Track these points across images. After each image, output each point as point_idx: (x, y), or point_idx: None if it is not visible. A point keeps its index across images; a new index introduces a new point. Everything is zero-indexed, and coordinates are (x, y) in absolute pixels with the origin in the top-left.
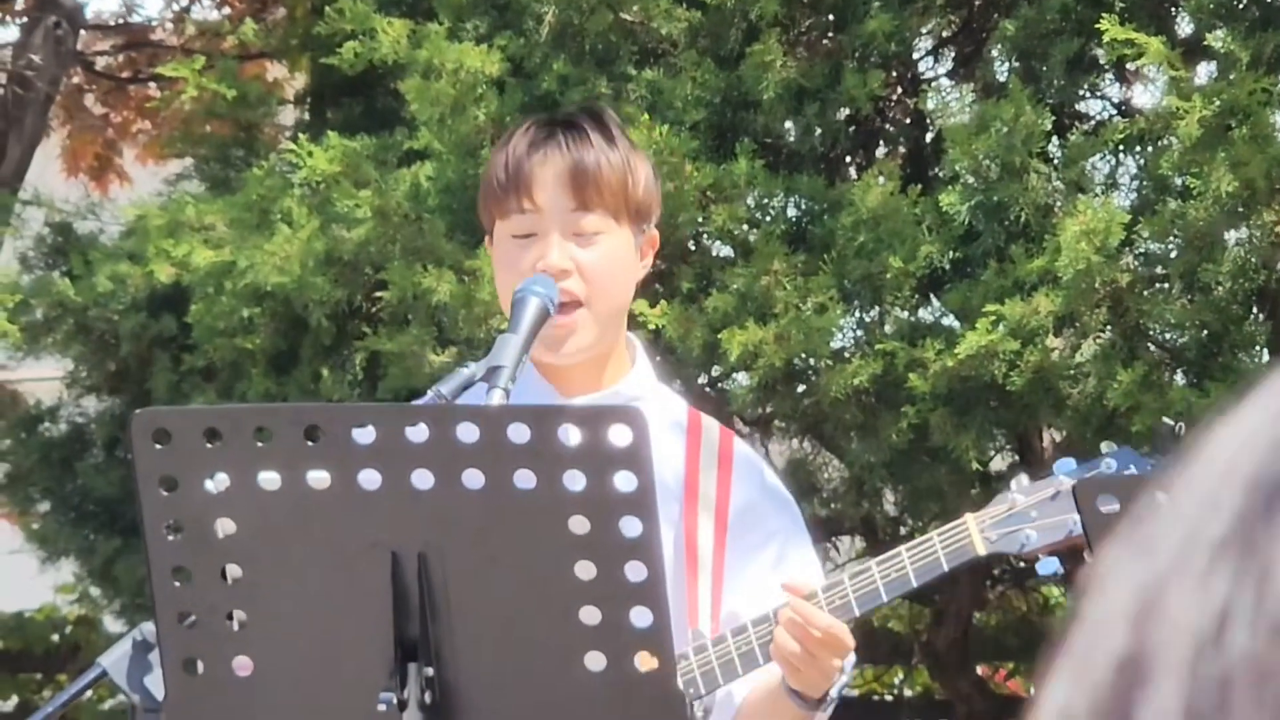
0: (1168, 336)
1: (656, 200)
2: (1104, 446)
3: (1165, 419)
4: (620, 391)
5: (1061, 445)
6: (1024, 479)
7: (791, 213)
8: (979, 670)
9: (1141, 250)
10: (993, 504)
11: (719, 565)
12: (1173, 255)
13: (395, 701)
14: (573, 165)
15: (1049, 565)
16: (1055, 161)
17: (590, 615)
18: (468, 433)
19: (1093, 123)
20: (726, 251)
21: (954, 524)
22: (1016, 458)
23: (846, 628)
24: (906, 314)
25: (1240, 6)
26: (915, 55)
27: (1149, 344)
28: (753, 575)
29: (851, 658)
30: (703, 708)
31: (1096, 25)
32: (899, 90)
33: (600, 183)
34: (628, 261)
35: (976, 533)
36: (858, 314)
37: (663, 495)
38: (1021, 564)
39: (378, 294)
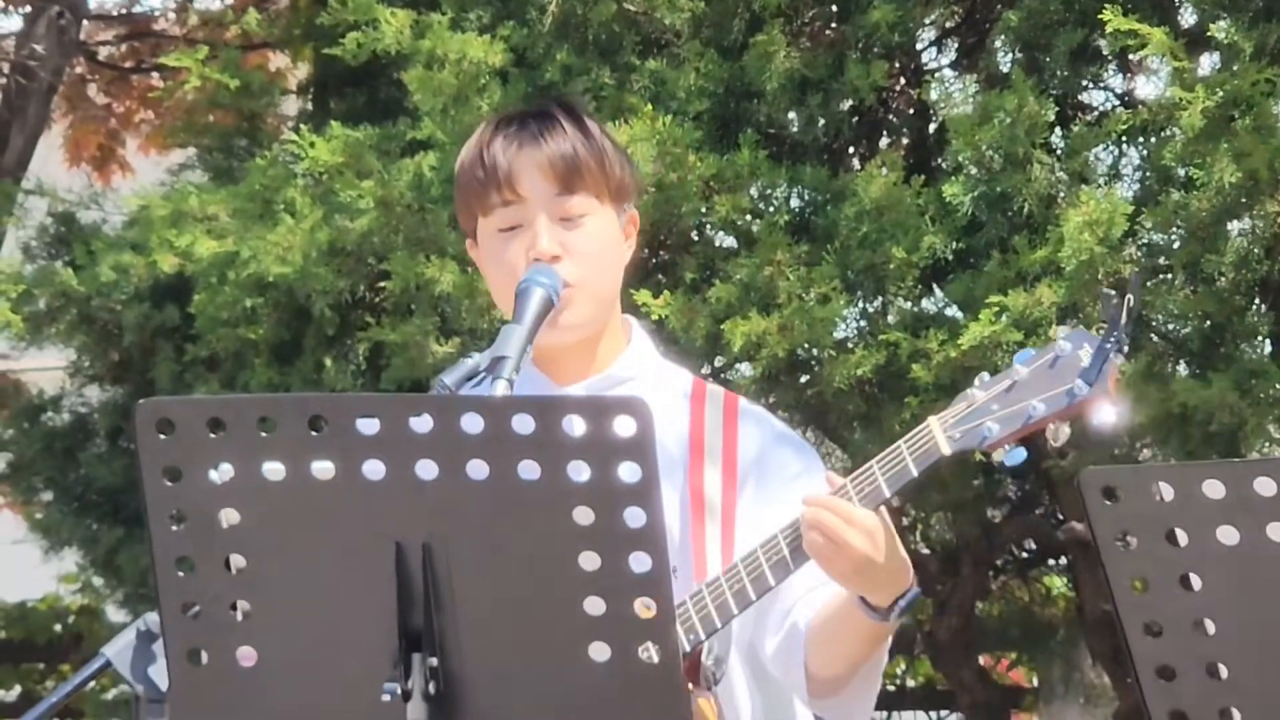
0: (1170, 327)
1: (634, 180)
2: (1060, 330)
3: (1107, 290)
4: (613, 375)
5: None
6: (985, 375)
7: (795, 203)
8: (981, 660)
9: (1144, 241)
10: (954, 402)
11: (729, 514)
12: (1175, 246)
13: (399, 692)
14: (552, 152)
15: (1016, 455)
16: (1058, 152)
17: (594, 606)
18: (472, 423)
19: (1096, 113)
20: (730, 242)
21: (918, 428)
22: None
23: (867, 510)
24: (909, 304)
25: None
26: (918, 46)
27: (1151, 334)
28: (780, 520)
29: (910, 576)
30: (713, 655)
31: (1100, 16)
32: (902, 81)
33: (580, 165)
34: (614, 240)
35: (940, 433)
36: (861, 304)
37: (667, 463)
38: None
39: (381, 284)
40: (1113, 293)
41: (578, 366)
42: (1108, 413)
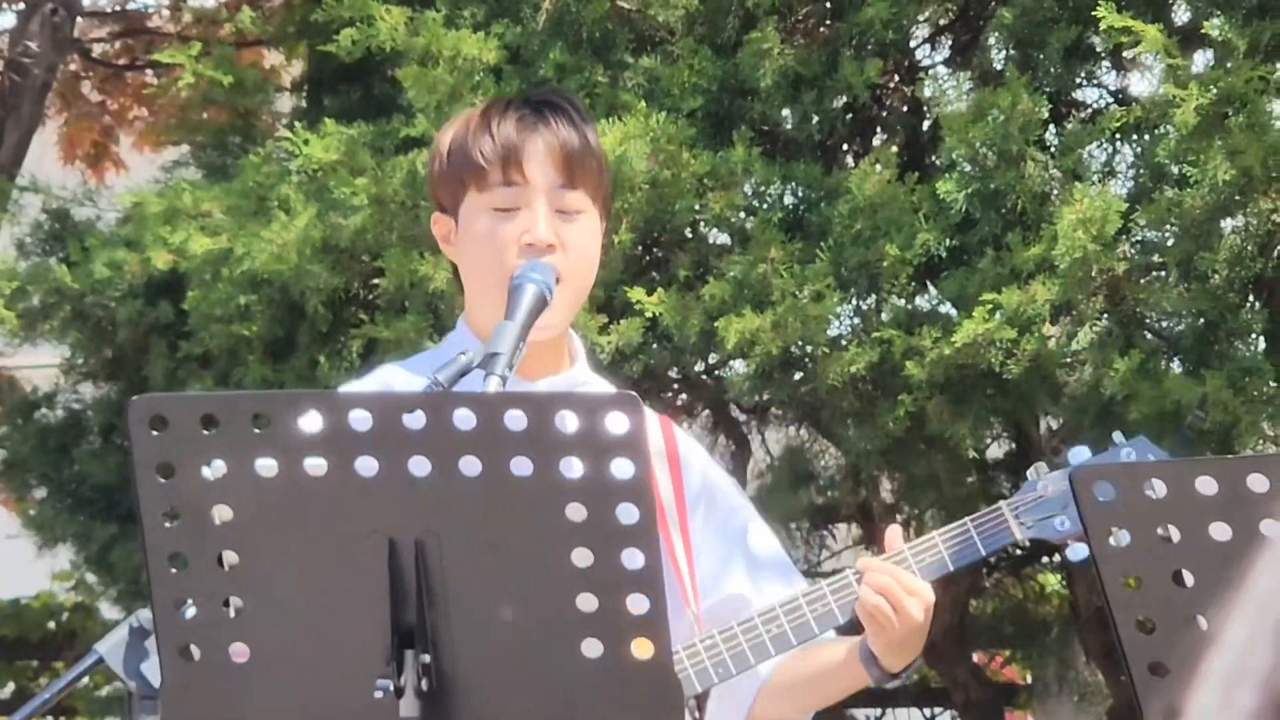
0: (1164, 325)
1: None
2: (1116, 436)
3: (1197, 412)
4: (573, 377)
5: (1058, 433)
6: (1043, 467)
7: (789, 200)
8: (975, 657)
9: (1138, 238)
10: (1022, 492)
11: (684, 526)
12: (1169, 243)
13: (392, 688)
14: (564, 142)
15: (1079, 551)
16: (1052, 149)
17: (587, 602)
18: (465, 420)
19: (1090, 111)
20: (724, 239)
21: (989, 511)
22: (1013, 446)
23: (926, 584)
24: (903, 302)
25: None
26: (912, 43)
27: (1145, 332)
28: (740, 558)
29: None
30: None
31: (1094, 13)
32: (896, 78)
33: (586, 162)
34: (598, 244)
35: (1012, 519)
36: (855, 302)
37: None
38: (1054, 554)
39: (374, 281)
40: (1202, 415)
41: (546, 364)
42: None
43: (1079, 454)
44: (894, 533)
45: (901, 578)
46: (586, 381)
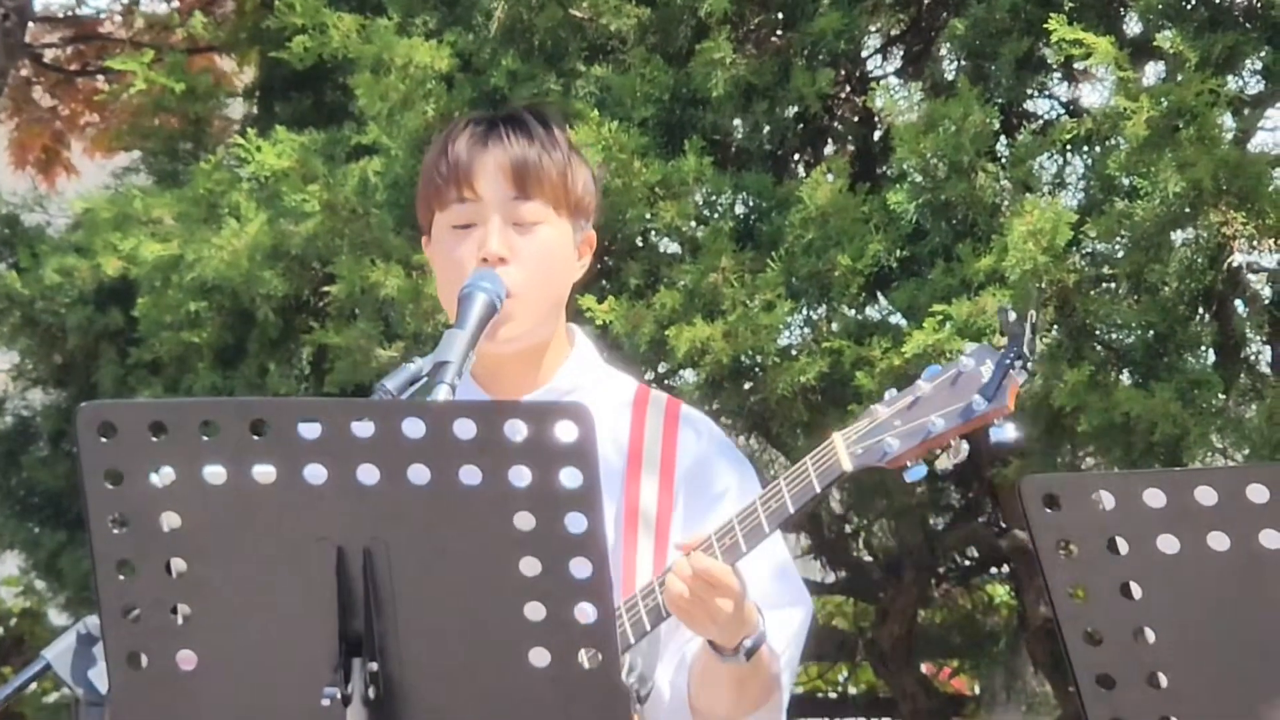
0: (1114, 336)
1: (595, 200)
2: (965, 346)
3: (1004, 306)
4: (555, 388)
5: (1008, 445)
6: (892, 391)
7: (740, 210)
8: (923, 668)
9: (1088, 250)
10: (858, 417)
11: (664, 526)
12: (1119, 255)
13: (339, 696)
14: (514, 155)
15: (916, 472)
16: (1003, 160)
17: (535, 611)
18: (414, 428)
19: (1041, 122)
20: (674, 248)
21: (823, 445)
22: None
23: (727, 569)
24: (854, 312)
25: (1189, 7)
26: (864, 53)
27: (1095, 344)
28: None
29: (758, 621)
30: (636, 673)
31: (1045, 25)
32: (848, 88)
33: (541, 173)
34: (565, 254)
35: (843, 449)
36: (805, 311)
37: (606, 473)
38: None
39: (325, 288)
40: (1011, 309)
41: (519, 381)
42: (1005, 429)
43: (930, 371)
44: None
45: (707, 572)
46: (572, 390)
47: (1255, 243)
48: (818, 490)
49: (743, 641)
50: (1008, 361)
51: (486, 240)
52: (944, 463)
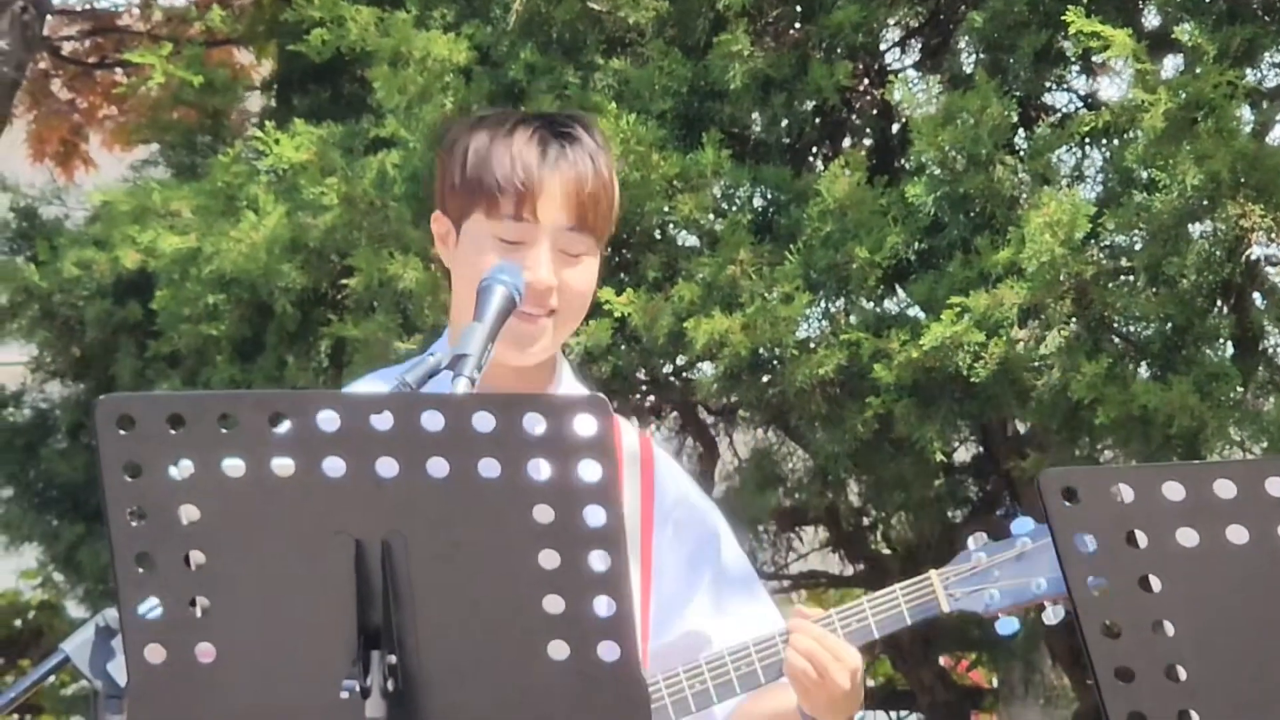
0: (1132, 329)
1: None
2: (1014, 525)
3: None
4: (562, 391)
5: (1026, 437)
6: (982, 536)
7: (758, 202)
8: (941, 661)
9: (1106, 242)
10: (955, 561)
11: (646, 550)
12: (1138, 248)
13: (358, 689)
14: (577, 185)
15: (1009, 625)
16: (1021, 153)
17: (554, 604)
18: (432, 421)
19: (1059, 115)
20: (693, 241)
21: (918, 580)
22: (981, 449)
23: (854, 650)
24: (872, 304)
25: (1207, 0)
26: (882, 46)
27: (1113, 336)
28: (706, 591)
29: (860, 703)
30: None
31: (1064, 17)
32: (866, 81)
33: (597, 207)
34: (594, 282)
35: (941, 589)
36: (823, 304)
37: None
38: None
39: (344, 281)
40: None
41: (515, 388)
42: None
43: (1022, 525)
44: (803, 610)
45: (828, 642)
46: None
47: (1273, 235)
48: (908, 623)
49: None
50: None
51: (537, 269)
52: (1053, 617)
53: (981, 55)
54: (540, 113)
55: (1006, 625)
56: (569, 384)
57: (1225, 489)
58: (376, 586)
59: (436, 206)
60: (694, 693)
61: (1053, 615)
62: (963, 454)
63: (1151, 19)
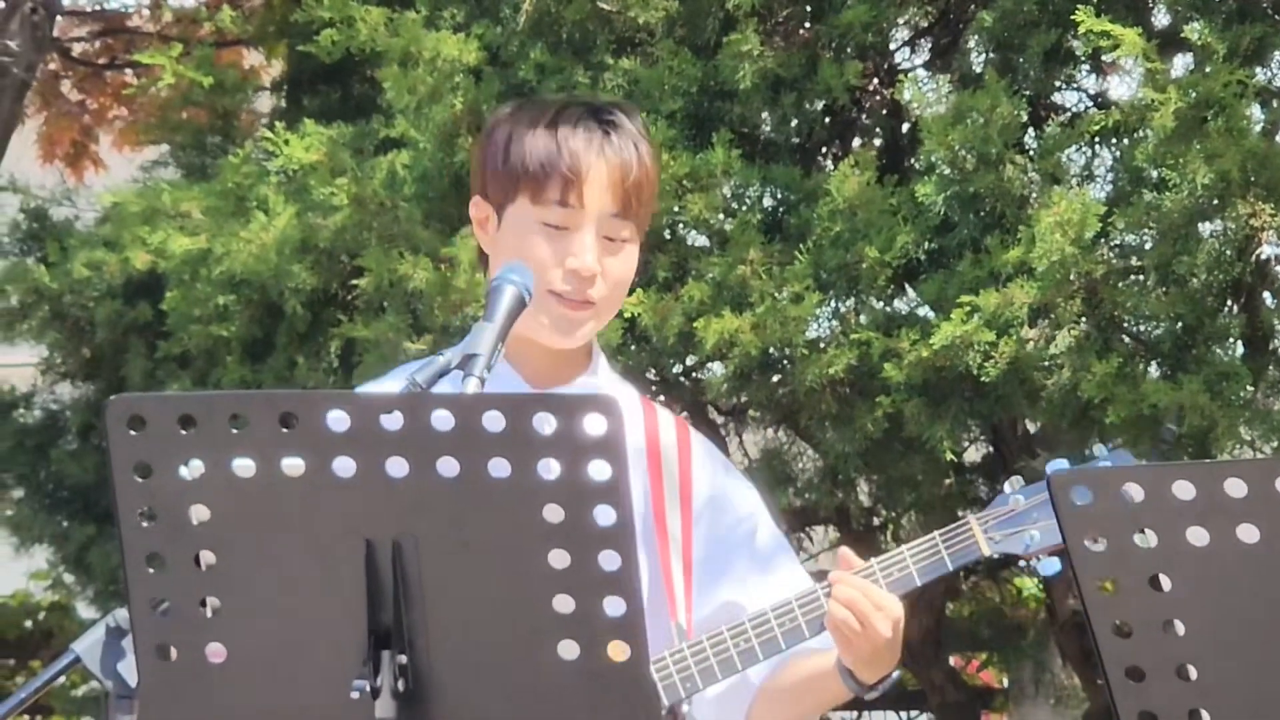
0: (1142, 328)
1: None
2: (1097, 449)
3: (1168, 425)
4: (587, 383)
5: (1036, 437)
6: (1018, 480)
7: (768, 202)
8: (952, 661)
9: (1116, 242)
10: (993, 505)
11: (688, 556)
12: (1148, 247)
13: (368, 689)
14: (624, 172)
15: (1051, 565)
16: (1031, 153)
17: (564, 604)
18: (442, 420)
19: (1069, 114)
20: (703, 240)
21: (957, 525)
22: (991, 449)
23: (896, 599)
24: (882, 304)
25: None
26: (892, 46)
27: (1123, 336)
28: (741, 565)
29: (898, 653)
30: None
31: (1073, 16)
32: (875, 81)
33: (640, 194)
34: (634, 269)
35: (980, 533)
36: (833, 303)
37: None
38: (1023, 564)
39: (354, 281)
40: (1174, 428)
41: (554, 372)
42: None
43: (1057, 464)
44: (846, 553)
45: (870, 591)
46: (602, 387)
47: None
48: (949, 568)
49: (884, 678)
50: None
51: (583, 255)
52: None
53: (991, 54)
54: (583, 98)
55: (1048, 565)
56: (605, 369)
57: (1236, 488)
58: (387, 586)
59: (475, 192)
60: (739, 651)
61: None
62: (973, 453)
63: (1161, 18)
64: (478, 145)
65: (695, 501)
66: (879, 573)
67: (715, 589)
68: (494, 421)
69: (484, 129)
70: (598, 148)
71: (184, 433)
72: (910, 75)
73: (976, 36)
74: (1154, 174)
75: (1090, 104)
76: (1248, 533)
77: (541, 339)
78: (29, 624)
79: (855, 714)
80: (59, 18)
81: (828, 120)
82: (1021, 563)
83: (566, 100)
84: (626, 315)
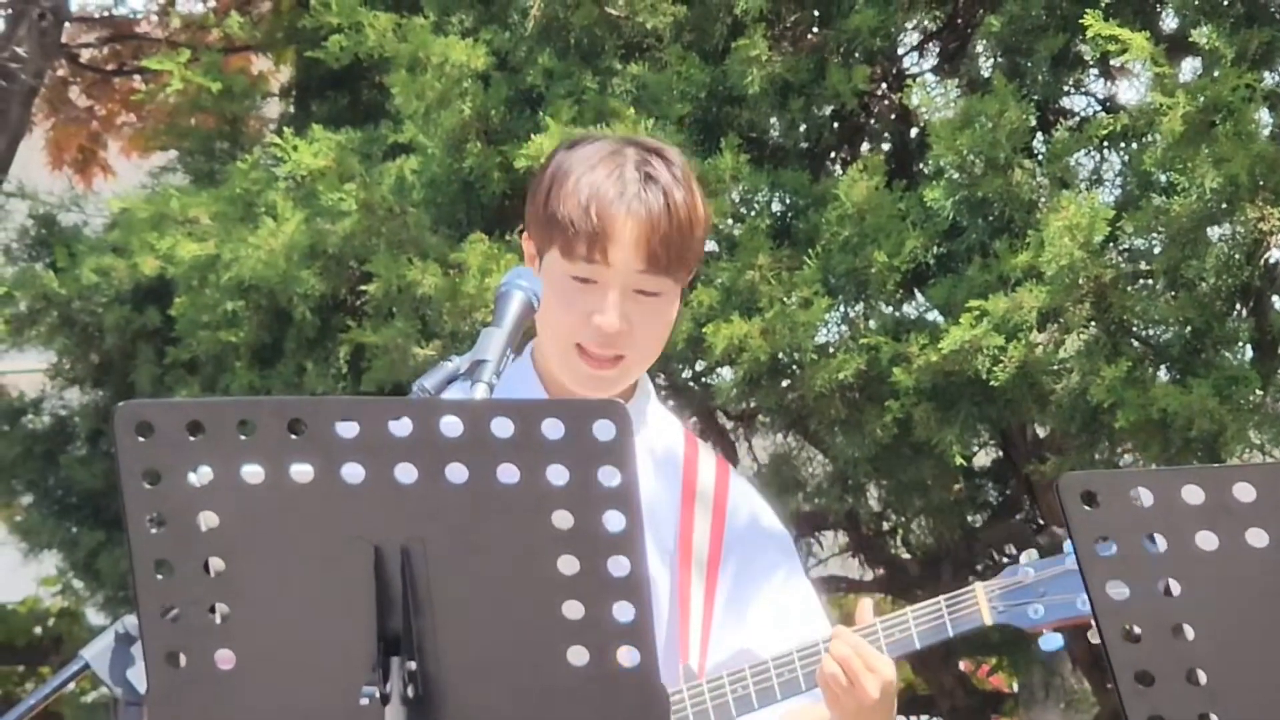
0: (1151, 332)
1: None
2: (1066, 545)
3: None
4: (636, 405)
5: (1045, 441)
6: (1033, 553)
7: (776, 207)
8: (962, 665)
9: (1125, 246)
10: (1002, 575)
11: (713, 571)
12: (1156, 251)
13: (378, 695)
14: (650, 230)
15: (1052, 641)
16: (1039, 157)
17: (573, 610)
18: (451, 426)
19: (1077, 119)
20: (711, 246)
21: (962, 591)
22: (1000, 453)
23: (889, 662)
24: (891, 309)
25: (1225, 3)
26: (900, 50)
27: (1132, 340)
28: (762, 614)
29: (889, 716)
30: None
31: (1081, 21)
32: (884, 85)
33: (672, 251)
34: (673, 316)
35: (985, 602)
36: (842, 308)
37: (664, 499)
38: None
39: (362, 287)
40: None
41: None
42: None
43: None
44: (865, 607)
45: (864, 651)
46: (641, 417)
47: None
48: (950, 635)
49: None
50: None
51: (606, 313)
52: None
53: (999, 59)
54: (631, 141)
55: (1050, 641)
56: (648, 403)
57: (1245, 492)
58: (396, 592)
59: (527, 226)
60: (735, 697)
61: (1094, 636)
62: (982, 458)
63: (1169, 22)
64: (534, 177)
65: (727, 527)
66: (880, 633)
67: (733, 635)
68: (503, 427)
69: (543, 163)
70: (627, 204)
71: (193, 439)
72: (918, 80)
73: (985, 41)
74: (1162, 178)
75: (1099, 108)
76: (1257, 537)
77: (570, 388)
78: (38, 630)
79: None
80: (67, 24)
81: (836, 125)
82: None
83: (613, 146)
84: None
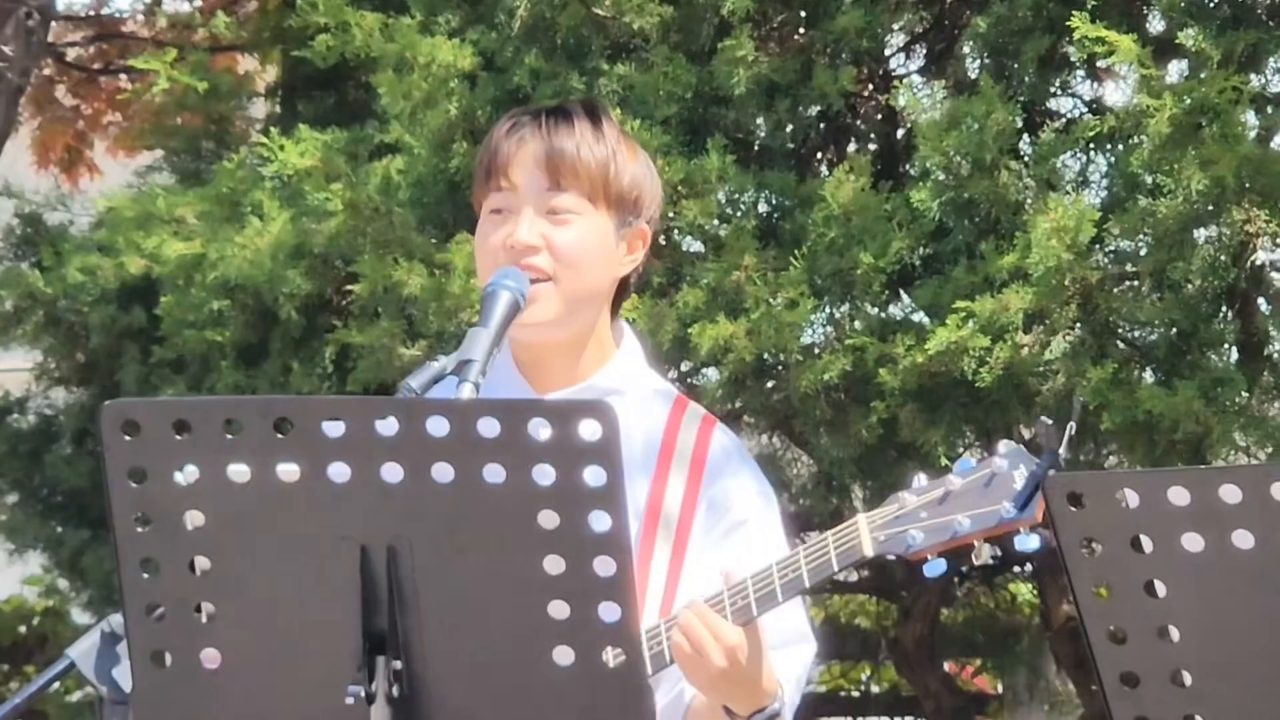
0: (1137, 334)
1: (649, 195)
2: (1001, 445)
3: (1044, 419)
4: (595, 384)
5: (1031, 443)
6: (922, 478)
7: (762, 208)
8: (946, 666)
9: (1111, 248)
10: (884, 504)
11: (684, 532)
12: (1143, 253)
13: (363, 694)
14: (551, 147)
15: (935, 567)
16: (1026, 159)
17: (559, 609)
18: (438, 426)
19: (1064, 120)
20: (697, 246)
21: (846, 524)
22: (986, 454)
23: (731, 626)
24: (877, 310)
25: (1212, 5)
26: (887, 52)
27: (1118, 341)
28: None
29: (774, 695)
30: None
31: (1068, 23)
32: (870, 86)
33: (577, 165)
34: (603, 246)
35: (866, 532)
36: (828, 309)
37: (635, 465)
38: (1025, 563)
39: (348, 287)
40: (1049, 421)
41: (560, 373)
42: (1032, 540)
43: (963, 465)
44: (729, 570)
45: (708, 619)
46: (616, 390)
47: (1278, 240)
48: (835, 569)
49: (754, 714)
50: (1040, 473)
51: (516, 230)
52: (978, 555)
53: (986, 61)
54: (559, 102)
55: (933, 567)
56: (628, 363)
57: (1231, 494)
58: (381, 592)
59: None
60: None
61: (977, 555)
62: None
63: (1156, 24)
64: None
65: (702, 482)
66: (750, 587)
67: (697, 585)
68: (489, 427)
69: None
70: (520, 133)
71: (179, 438)
72: (905, 81)
73: (971, 42)
74: (1149, 180)
75: (1085, 110)
76: (1242, 539)
77: (529, 335)
78: (23, 629)
79: None
80: (54, 23)
81: (822, 126)
82: (1024, 562)
83: (541, 106)
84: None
